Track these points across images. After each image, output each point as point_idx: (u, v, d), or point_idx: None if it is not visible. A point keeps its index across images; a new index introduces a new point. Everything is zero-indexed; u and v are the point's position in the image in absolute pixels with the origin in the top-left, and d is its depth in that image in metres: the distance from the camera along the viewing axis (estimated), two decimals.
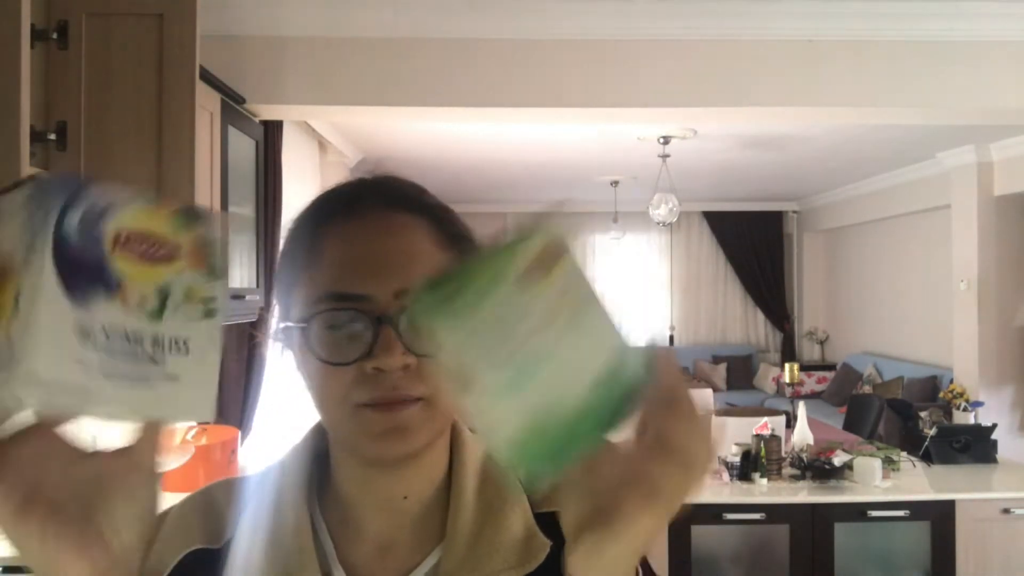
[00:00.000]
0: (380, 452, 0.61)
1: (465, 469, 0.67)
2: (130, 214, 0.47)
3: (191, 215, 0.52)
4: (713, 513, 2.90)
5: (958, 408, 5.40)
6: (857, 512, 2.91)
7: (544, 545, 0.64)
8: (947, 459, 3.39)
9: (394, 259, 0.61)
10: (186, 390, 0.49)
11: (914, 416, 3.80)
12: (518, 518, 0.65)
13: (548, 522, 0.64)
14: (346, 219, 0.63)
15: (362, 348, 0.59)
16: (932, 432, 3.44)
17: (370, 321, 0.59)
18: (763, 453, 3.08)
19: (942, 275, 6.28)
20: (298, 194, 4.22)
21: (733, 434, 3.79)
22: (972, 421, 5.11)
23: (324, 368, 0.60)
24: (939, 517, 2.94)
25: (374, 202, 0.64)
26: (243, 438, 3.01)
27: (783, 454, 3.17)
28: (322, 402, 0.62)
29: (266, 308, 3.02)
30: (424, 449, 0.64)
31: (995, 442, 3.49)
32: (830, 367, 8.25)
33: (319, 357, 0.60)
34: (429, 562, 0.65)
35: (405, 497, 0.66)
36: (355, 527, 0.66)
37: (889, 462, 3.19)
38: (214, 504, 0.68)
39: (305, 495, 0.67)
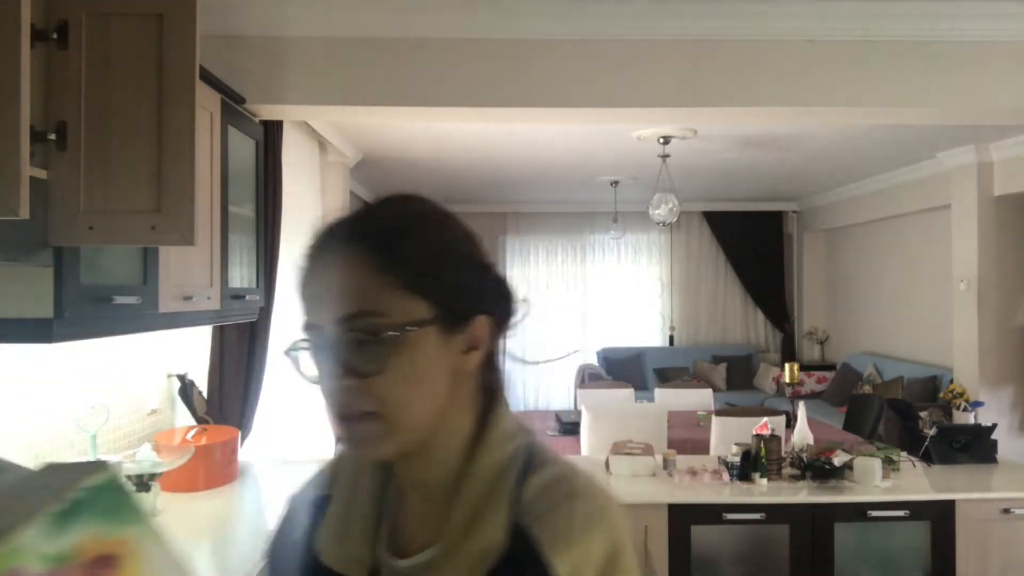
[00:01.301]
0: (357, 455, 0.74)
1: (475, 468, 0.74)
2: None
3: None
4: (713, 513, 2.90)
5: (958, 408, 5.40)
6: (857, 512, 2.91)
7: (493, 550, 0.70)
8: (947, 459, 3.39)
9: (335, 291, 0.70)
10: None
11: (914, 416, 3.81)
12: (500, 524, 0.71)
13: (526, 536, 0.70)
14: (310, 260, 0.74)
15: (315, 370, 0.71)
16: (932, 432, 3.44)
17: (317, 347, 0.71)
18: (763, 453, 3.08)
19: (942, 275, 6.28)
20: (298, 194, 4.22)
21: (733, 434, 3.79)
22: (972, 421, 5.12)
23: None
24: (939, 517, 2.94)
25: (326, 241, 0.73)
26: (243, 438, 3.01)
27: (783, 454, 3.17)
28: None
29: (266, 308, 3.02)
30: (414, 448, 0.73)
31: (995, 442, 3.49)
32: (830, 367, 8.25)
33: (300, 375, 0.73)
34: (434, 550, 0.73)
35: (423, 481, 0.76)
36: (400, 496, 0.79)
37: (889, 462, 3.19)
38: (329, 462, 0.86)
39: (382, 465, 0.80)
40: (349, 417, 0.70)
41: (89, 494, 0.53)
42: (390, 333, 0.68)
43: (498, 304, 0.77)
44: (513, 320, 0.79)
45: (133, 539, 0.53)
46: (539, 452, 0.77)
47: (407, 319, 0.69)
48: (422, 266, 0.71)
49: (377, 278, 0.70)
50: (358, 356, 0.68)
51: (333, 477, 0.83)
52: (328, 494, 0.81)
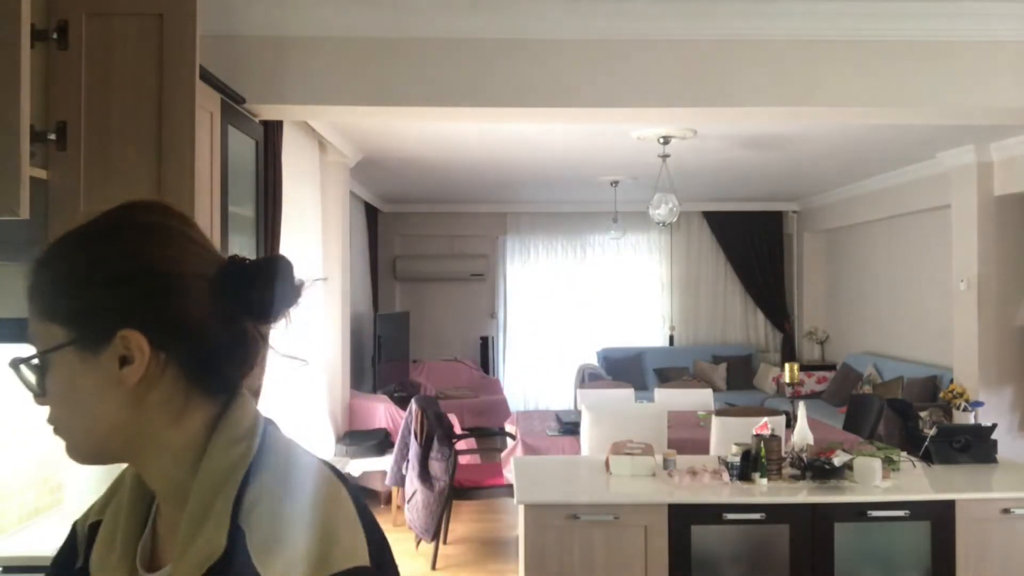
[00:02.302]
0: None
1: (199, 476, 0.74)
2: None
3: None
4: (713, 513, 2.90)
5: (958, 408, 5.40)
6: (857, 512, 2.91)
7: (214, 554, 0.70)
8: (947, 459, 3.39)
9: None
10: None
11: (914, 416, 3.80)
12: (221, 528, 0.70)
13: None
14: None
15: None
16: (932, 432, 3.44)
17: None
18: (763, 453, 3.08)
19: (942, 275, 6.28)
20: (298, 194, 4.22)
21: (733, 434, 3.79)
22: (972, 421, 5.12)
23: None
24: (939, 517, 2.94)
25: None
26: None
27: (783, 454, 3.17)
28: None
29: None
30: (105, 460, 0.78)
31: (995, 442, 3.49)
32: (830, 367, 8.25)
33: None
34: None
35: (158, 492, 0.79)
36: (159, 509, 0.81)
37: (889, 462, 3.19)
38: None
39: None
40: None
41: None
42: (34, 359, 0.74)
43: (164, 311, 0.74)
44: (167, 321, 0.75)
45: None
46: (271, 451, 0.76)
47: (45, 344, 0.74)
48: (51, 293, 0.75)
49: (28, 308, 0.77)
50: (30, 380, 0.75)
51: (107, 501, 0.85)
52: (99, 520, 0.83)
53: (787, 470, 3.17)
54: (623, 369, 8.33)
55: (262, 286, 0.76)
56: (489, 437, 7.12)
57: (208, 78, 2.34)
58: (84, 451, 0.77)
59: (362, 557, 0.70)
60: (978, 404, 5.39)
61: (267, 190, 3.01)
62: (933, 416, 3.82)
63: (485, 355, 8.86)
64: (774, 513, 2.92)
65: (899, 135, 5.23)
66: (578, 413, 4.84)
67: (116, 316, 0.73)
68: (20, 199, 1.26)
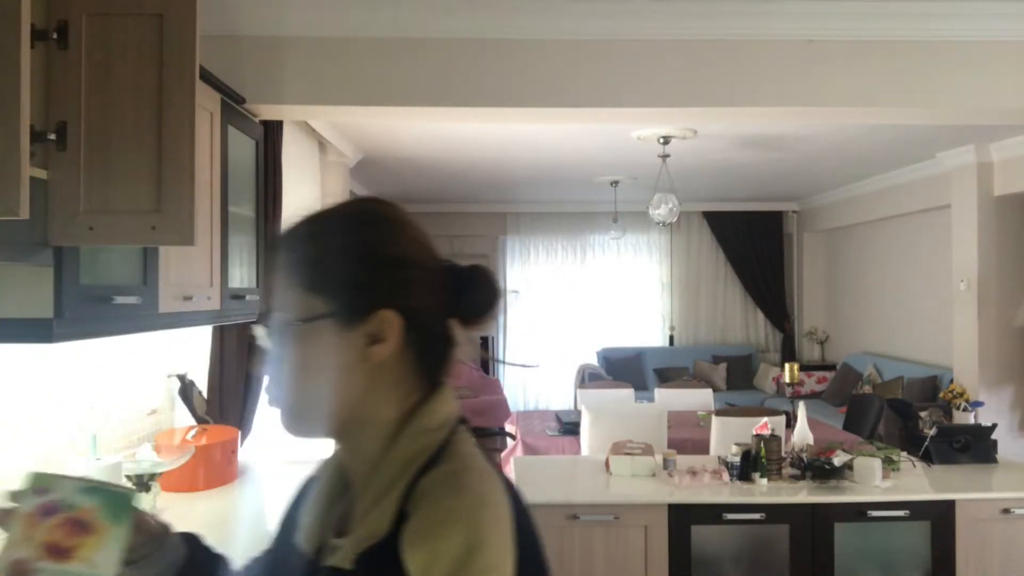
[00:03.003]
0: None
1: (387, 458, 0.78)
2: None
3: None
4: (713, 513, 2.90)
5: (958, 408, 5.40)
6: (857, 512, 2.91)
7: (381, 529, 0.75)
8: (947, 459, 3.39)
9: (264, 290, 0.87)
10: None
11: (914, 416, 3.80)
12: (388, 513, 0.75)
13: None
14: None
15: None
16: (932, 432, 3.44)
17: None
18: (763, 453, 3.08)
19: (942, 275, 6.28)
20: (298, 194, 4.22)
21: (733, 434, 3.79)
22: (972, 421, 5.12)
23: None
24: (939, 517, 2.94)
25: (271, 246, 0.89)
26: (243, 438, 3.01)
27: (783, 454, 3.17)
28: None
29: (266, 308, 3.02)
30: (331, 434, 0.81)
31: (995, 442, 3.49)
32: (830, 367, 8.25)
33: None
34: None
35: (353, 468, 0.83)
36: (352, 482, 0.84)
37: (889, 462, 3.19)
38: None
39: None
40: (270, 402, 0.81)
41: (110, 491, 0.81)
42: (287, 326, 0.78)
43: (416, 298, 0.80)
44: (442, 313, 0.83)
45: (107, 527, 0.79)
46: (454, 447, 0.79)
47: (302, 314, 0.78)
48: (318, 266, 0.79)
49: (283, 279, 0.80)
50: (270, 346, 0.80)
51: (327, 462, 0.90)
52: (318, 476, 0.89)
53: (787, 470, 3.17)
54: (623, 369, 8.33)
55: (479, 288, 0.84)
56: (489, 437, 7.12)
57: (208, 78, 2.34)
58: (308, 421, 0.80)
59: (503, 570, 0.70)
60: (978, 404, 5.39)
61: (267, 190, 3.01)
62: (933, 416, 3.81)
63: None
64: (774, 513, 2.92)
65: (899, 135, 5.23)
66: (578, 413, 4.84)
67: (378, 296, 0.78)
68: (20, 199, 1.26)
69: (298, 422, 0.80)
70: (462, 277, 0.84)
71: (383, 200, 0.86)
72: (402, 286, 0.80)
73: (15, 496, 0.79)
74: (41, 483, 0.80)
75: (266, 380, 0.82)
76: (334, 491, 0.85)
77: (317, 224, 0.83)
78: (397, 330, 0.78)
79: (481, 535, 0.70)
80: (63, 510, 0.79)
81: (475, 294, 0.83)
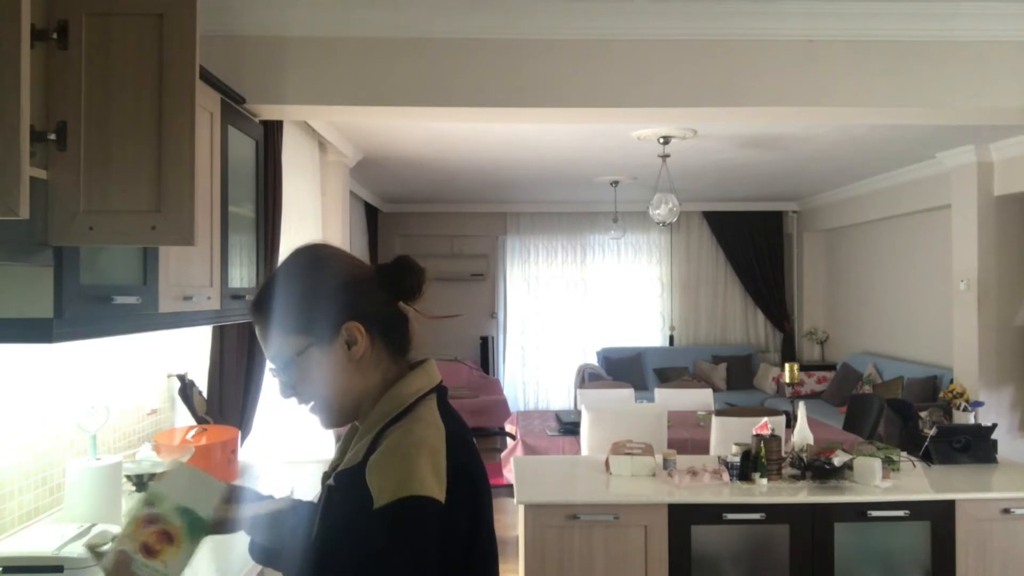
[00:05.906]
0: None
1: (371, 414, 1.11)
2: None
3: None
4: (713, 513, 2.90)
5: (958, 408, 5.40)
6: (857, 512, 2.91)
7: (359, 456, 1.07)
8: (947, 459, 3.39)
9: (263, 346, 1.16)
10: None
11: (914, 416, 3.81)
12: (362, 449, 1.07)
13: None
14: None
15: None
16: (932, 432, 3.44)
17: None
18: (763, 453, 3.08)
19: (942, 275, 6.28)
20: (298, 194, 4.22)
21: (733, 434, 3.79)
22: (972, 421, 5.12)
23: None
24: (939, 517, 2.94)
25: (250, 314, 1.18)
26: (243, 438, 3.01)
27: (783, 454, 3.17)
28: None
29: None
30: (352, 410, 1.14)
31: (995, 442, 3.49)
32: (830, 367, 8.25)
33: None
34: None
35: (360, 422, 1.15)
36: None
37: (889, 462, 3.19)
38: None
39: None
40: (311, 411, 1.14)
41: (195, 516, 1.13)
42: (289, 363, 1.09)
43: (364, 305, 1.10)
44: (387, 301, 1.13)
45: (185, 543, 1.10)
46: (416, 409, 1.08)
47: (294, 351, 1.08)
48: (289, 315, 1.08)
49: (267, 333, 1.10)
50: (284, 379, 1.11)
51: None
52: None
53: (787, 470, 3.17)
54: (623, 369, 8.33)
55: (405, 276, 1.12)
56: (489, 437, 7.12)
57: (208, 78, 2.34)
58: (336, 415, 1.13)
59: (431, 491, 0.97)
60: (978, 404, 5.39)
61: (267, 190, 3.01)
62: (933, 416, 3.81)
63: (485, 355, 8.86)
64: (774, 513, 2.92)
65: (899, 135, 5.23)
66: (578, 413, 4.84)
67: (339, 315, 1.09)
68: (20, 199, 1.26)
69: (334, 416, 1.13)
70: (392, 270, 1.12)
71: (314, 243, 1.15)
72: (353, 300, 1.09)
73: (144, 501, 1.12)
74: (152, 498, 1.11)
75: (296, 402, 1.12)
76: (347, 441, 1.17)
77: (276, 285, 1.10)
78: (363, 331, 1.09)
79: (413, 467, 0.97)
80: (161, 523, 1.09)
81: (405, 279, 1.12)
